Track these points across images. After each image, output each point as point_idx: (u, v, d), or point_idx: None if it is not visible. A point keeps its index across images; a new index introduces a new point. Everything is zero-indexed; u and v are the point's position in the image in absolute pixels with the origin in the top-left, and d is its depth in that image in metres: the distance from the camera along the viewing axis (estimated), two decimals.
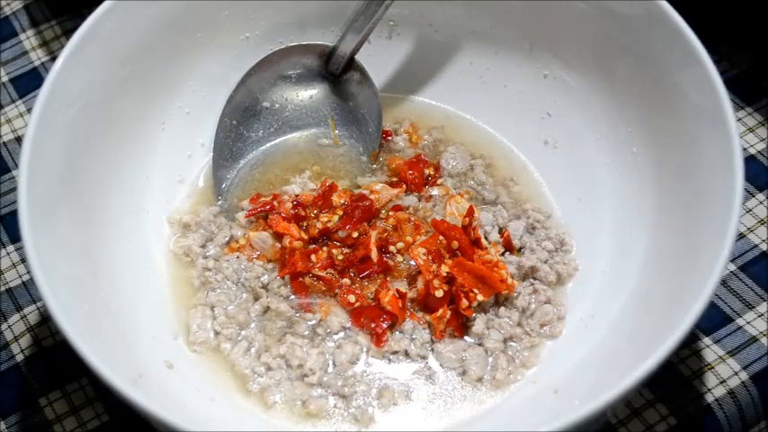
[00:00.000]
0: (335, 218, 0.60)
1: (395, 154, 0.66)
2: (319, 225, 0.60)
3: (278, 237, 0.60)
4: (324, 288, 0.58)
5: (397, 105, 0.68)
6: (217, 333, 0.57)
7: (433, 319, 0.56)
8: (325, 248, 0.59)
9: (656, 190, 0.56)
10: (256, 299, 0.58)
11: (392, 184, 0.63)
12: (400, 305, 0.56)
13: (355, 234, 0.59)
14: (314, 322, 0.57)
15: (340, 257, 0.59)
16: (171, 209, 0.62)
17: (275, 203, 0.62)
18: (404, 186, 0.63)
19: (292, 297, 0.58)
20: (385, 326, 0.56)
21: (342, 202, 0.61)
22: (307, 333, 0.57)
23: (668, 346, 0.43)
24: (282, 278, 0.59)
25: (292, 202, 0.61)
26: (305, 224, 0.61)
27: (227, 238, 0.61)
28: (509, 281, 0.57)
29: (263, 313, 0.58)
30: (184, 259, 0.60)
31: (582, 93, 0.62)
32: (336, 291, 0.58)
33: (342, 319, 0.57)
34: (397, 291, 0.57)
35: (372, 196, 0.62)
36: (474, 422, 0.54)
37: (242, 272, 0.59)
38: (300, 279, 0.58)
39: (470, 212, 0.59)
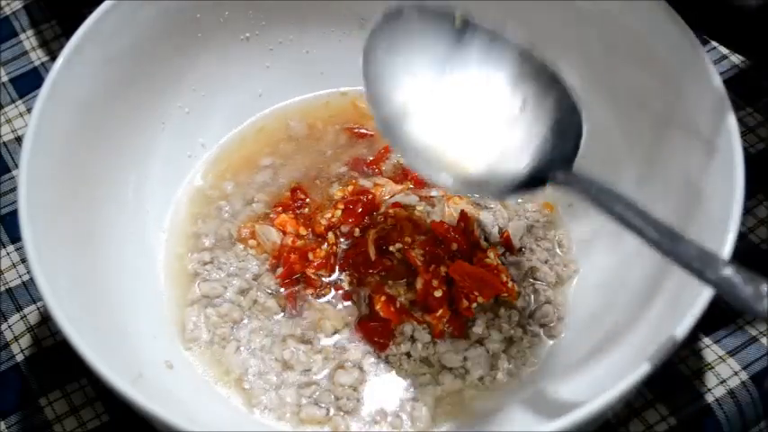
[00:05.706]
0: (338, 212, 0.60)
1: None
2: (324, 222, 0.59)
3: (284, 232, 0.60)
4: (314, 290, 0.58)
5: None
6: (211, 332, 0.57)
7: (432, 319, 0.56)
8: (325, 246, 0.59)
9: (657, 190, 0.56)
10: (245, 292, 0.58)
11: (396, 180, 0.63)
12: (392, 309, 0.56)
13: (357, 231, 0.59)
14: (308, 324, 0.57)
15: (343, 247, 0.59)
16: (171, 209, 0.62)
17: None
18: (408, 184, 0.62)
19: (282, 290, 0.58)
20: (384, 332, 0.56)
21: (341, 195, 0.61)
22: (305, 335, 0.57)
23: (669, 346, 0.43)
24: (275, 278, 0.58)
25: (291, 190, 0.61)
26: (302, 211, 0.60)
27: (226, 232, 0.61)
28: (509, 284, 0.57)
29: (249, 308, 0.58)
30: (185, 259, 0.60)
31: (583, 92, 0.62)
32: (331, 293, 0.58)
33: (337, 323, 0.57)
34: (386, 295, 0.56)
35: (375, 190, 0.61)
36: (474, 422, 0.54)
37: (236, 264, 0.59)
38: (295, 278, 0.58)
39: (463, 217, 0.59)
